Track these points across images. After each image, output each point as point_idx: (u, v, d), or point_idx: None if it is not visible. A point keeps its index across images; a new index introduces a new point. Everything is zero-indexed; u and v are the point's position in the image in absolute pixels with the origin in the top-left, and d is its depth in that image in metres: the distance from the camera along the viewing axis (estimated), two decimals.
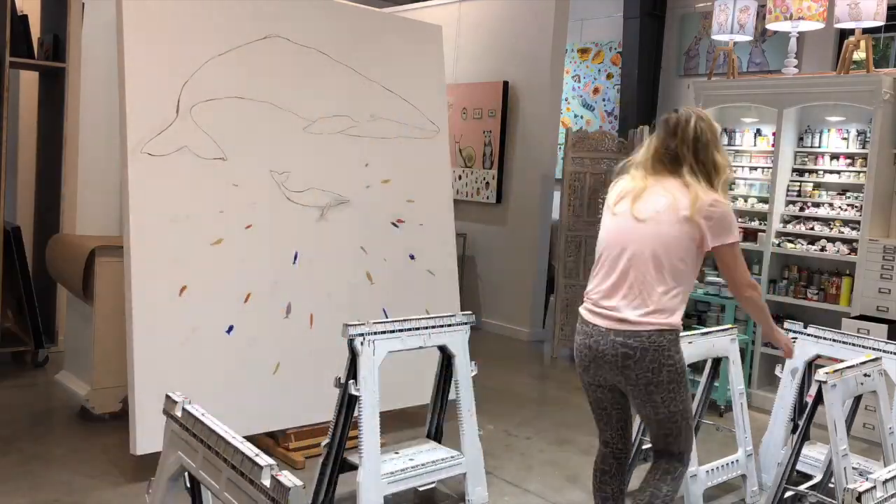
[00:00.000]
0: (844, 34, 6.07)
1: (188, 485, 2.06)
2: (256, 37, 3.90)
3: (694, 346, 3.66)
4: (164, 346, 3.54)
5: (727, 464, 3.75)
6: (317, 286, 4.06)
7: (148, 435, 3.42)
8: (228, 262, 3.75)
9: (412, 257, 4.47)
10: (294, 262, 3.98)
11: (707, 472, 3.61)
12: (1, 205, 4.82)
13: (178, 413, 2.06)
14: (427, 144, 4.61)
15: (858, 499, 1.67)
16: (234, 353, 3.75)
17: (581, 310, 2.74)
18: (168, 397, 2.12)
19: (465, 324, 3.52)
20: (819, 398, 3.03)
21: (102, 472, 3.63)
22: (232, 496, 1.77)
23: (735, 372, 3.85)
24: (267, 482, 1.64)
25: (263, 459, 1.69)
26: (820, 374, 3.02)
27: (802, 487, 3.37)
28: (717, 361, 3.90)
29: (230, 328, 3.75)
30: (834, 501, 3.08)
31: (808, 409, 3.15)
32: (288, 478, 1.62)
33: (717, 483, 3.70)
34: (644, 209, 2.63)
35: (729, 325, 3.98)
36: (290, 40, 4.02)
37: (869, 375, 3.26)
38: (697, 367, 3.93)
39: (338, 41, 4.22)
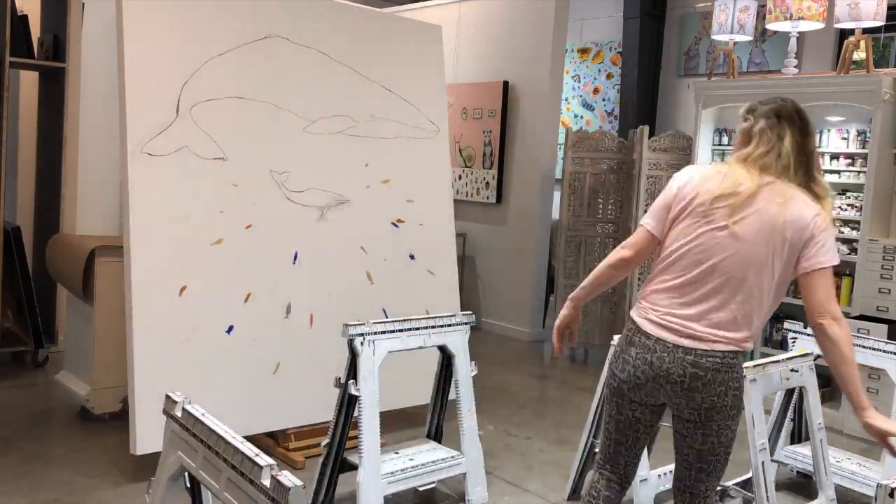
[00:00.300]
0: (844, 34, 6.06)
1: (188, 485, 2.05)
2: (256, 37, 3.90)
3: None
4: (165, 346, 3.53)
5: None
6: (317, 286, 4.05)
7: (148, 435, 3.41)
8: (228, 262, 3.75)
9: (412, 257, 4.47)
10: (294, 262, 3.98)
11: (659, 476, 3.56)
12: (1, 205, 4.82)
13: (179, 413, 2.05)
14: (427, 144, 4.61)
15: (891, 494, 1.66)
16: (235, 353, 3.75)
17: (640, 319, 2.44)
18: (168, 397, 2.12)
19: (465, 324, 3.52)
20: None
21: (102, 472, 3.63)
22: (232, 496, 1.76)
23: None
24: (267, 482, 1.64)
25: (263, 459, 1.69)
26: None
27: (730, 483, 3.36)
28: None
29: (230, 328, 3.74)
30: (752, 495, 3.06)
31: None
32: (288, 478, 1.62)
33: (671, 487, 3.64)
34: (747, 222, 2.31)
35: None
36: (289, 40, 4.02)
37: (797, 371, 3.24)
38: None
39: (338, 41, 4.22)
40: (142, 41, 3.55)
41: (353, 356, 3.16)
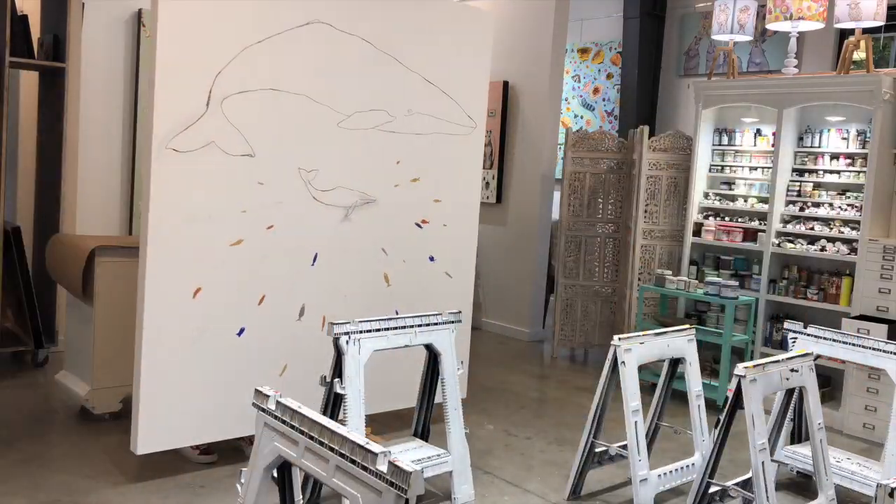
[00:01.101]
0: (844, 34, 6.07)
1: (275, 475, 2.12)
2: (297, 23, 3.68)
3: (647, 347, 3.63)
4: (174, 347, 3.48)
5: (682, 467, 3.70)
6: (333, 288, 3.97)
7: (151, 435, 3.40)
8: (246, 264, 3.65)
9: (432, 259, 4.37)
10: (313, 264, 3.90)
11: (659, 476, 3.56)
12: (1, 205, 4.82)
13: (272, 406, 2.11)
14: (461, 142, 4.42)
15: (891, 494, 1.66)
16: (243, 354, 3.70)
17: None
18: (258, 391, 2.18)
19: (452, 322, 3.51)
20: (739, 392, 3.01)
21: (102, 472, 3.62)
22: (342, 482, 1.80)
23: (692, 373, 3.82)
24: (384, 467, 1.67)
25: (376, 447, 1.72)
26: (739, 368, 3.00)
27: (729, 483, 3.36)
28: (676, 362, 3.87)
29: (241, 330, 3.68)
30: (752, 495, 3.06)
31: (728, 403, 3.09)
32: (406, 462, 1.65)
33: (671, 487, 3.65)
34: None
35: (686, 326, 3.92)
36: (333, 27, 3.80)
37: (797, 371, 3.24)
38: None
39: (382, 28, 3.99)
40: (176, 28, 3.33)
41: (339, 354, 3.15)
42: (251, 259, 3.68)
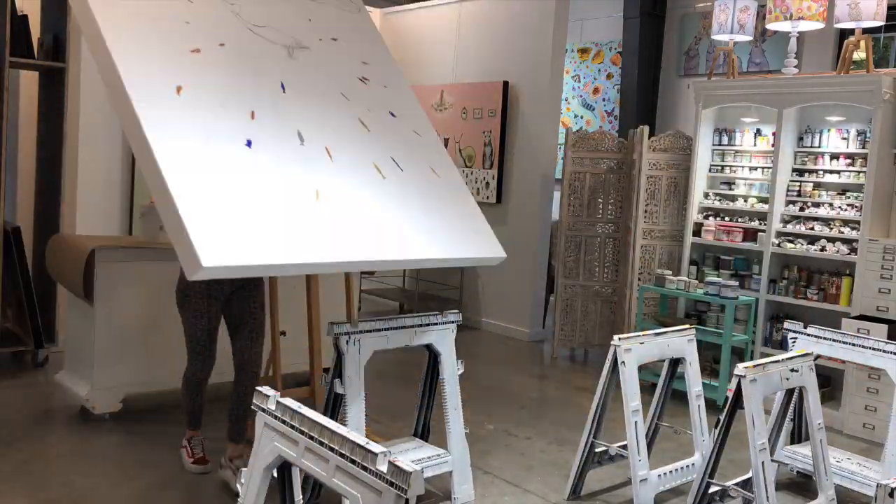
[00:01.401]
0: (844, 34, 6.07)
1: (275, 475, 2.12)
2: None
3: (647, 347, 3.63)
4: (185, 151, 2.95)
5: (682, 467, 3.70)
6: (318, 119, 3.51)
7: (211, 247, 2.76)
8: (214, 73, 3.25)
9: (393, 115, 3.92)
10: (284, 91, 3.47)
11: (659, 476, 3.56)
12: (1, 205, 4.82)
13: (272, 406, 2.11)
14: (352, 17, 4.14)
15: (891, 494, 1.67)
16: (263, 172, 3.12)
17: None
18: (259, 392, 2.18)
19: (452, 322, 3.51)
20: (739, 392, 3.01)
21: (102, 472, 3.63)
22: (342, 482, 1.81)
23: (692, 373, 3.82)
24: (384, 468, 1.68)
25: (376, 447, 1.73)
26: (739, 368, 3.00)
27: (729, 483, 3.36)
28: (676, 362, 3.88)
29: (249, 142, 3.18)
30: (752, 495, 3.06)
31: (728, 404, 3.09)
32: (406, 462, 1.66)
33: (671, 487, 3.65)
34: None
35: (686, 326, 3.92)
36: None
37: (797, 371, 3.25)
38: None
39: None
40: None
41: (339, 355, 3.16)
42: (217, 70, 3.26)
